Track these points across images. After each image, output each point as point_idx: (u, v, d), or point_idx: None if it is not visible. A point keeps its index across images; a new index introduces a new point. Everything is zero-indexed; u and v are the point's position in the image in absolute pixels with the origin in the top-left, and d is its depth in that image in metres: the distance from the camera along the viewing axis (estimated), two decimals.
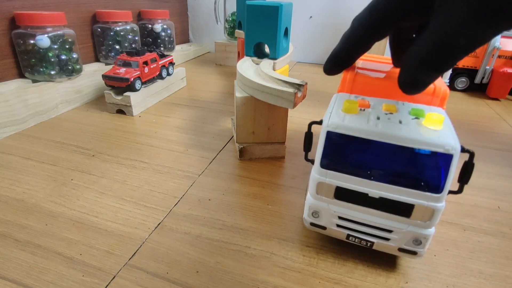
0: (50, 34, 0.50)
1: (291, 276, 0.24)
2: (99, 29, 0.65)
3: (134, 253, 0.26)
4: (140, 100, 0.55)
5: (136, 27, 0.71)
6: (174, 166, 0.39)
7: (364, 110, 0.23)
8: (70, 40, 0.53)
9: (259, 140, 0.40)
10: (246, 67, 0.40)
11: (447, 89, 0.24)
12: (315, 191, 0.23)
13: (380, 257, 0.26)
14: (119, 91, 0.53)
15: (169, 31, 0.85)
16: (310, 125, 0.24)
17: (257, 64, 0.42)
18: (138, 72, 0.53)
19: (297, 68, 0.94)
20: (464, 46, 0.17)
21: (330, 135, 0.21)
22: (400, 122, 0.21)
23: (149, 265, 0.25)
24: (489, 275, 0.25)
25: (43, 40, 0.48)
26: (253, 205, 0.32)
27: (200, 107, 0.59)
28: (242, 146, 0.40)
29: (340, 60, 0.24)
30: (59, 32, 0.51)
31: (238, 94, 0.37)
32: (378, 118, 0.21)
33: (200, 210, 0.31)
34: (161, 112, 0.56)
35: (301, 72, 0.90)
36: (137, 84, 0.53)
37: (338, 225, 0.24)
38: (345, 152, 0.22)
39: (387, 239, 0.23)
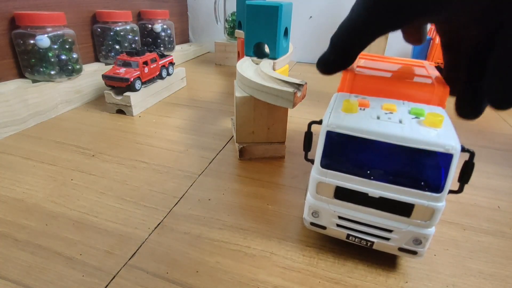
0: (50, 34, 0.50)
1: (291, 276, 0.24)
2: (99, 29, 0.65)
3: (134, 253, 0.26)
4: (140, 100, 0.55)
5: (136, 27, 0.71)
6: (174, 166, 0.39)
7: (364, 109, 0.23)
8: (70, 40, 0.53)
9: (259, 140, 0.40)
10: (246, 67, 0.40)
11: (448, 88, 0.24)
12: (315, 191, 0.23)
13: (380, 257, 0.26)
14: (119, 91, 0.53)
15: (169, 31, 0.85)
16: (310, 124, 0.24)
17: (257, 64, 0.42)
18: (138, 72, 0.53)
19: (297, 68, 0.94)
20: None
21: (330, 135, 0.21)
22: (400, 121, 0.21)
23: (149, 265, 0.25)
24: (489, 275, 0.25)
25: (43, 40, 0.48)
26: (253, 205, 0.32)
27: (200, 107, 0.59)
28: (242, 146, 0.40)
29: (337, 66, 0.25)
30: (59, 32, 0.51)
31: (238, 94, 0.37)
32: (378, 118, 0.21)
33: (200, 210, 0.31)
34: (161, 112, 0.56)
35: (301, 72, 0.90)
36: (137, 84, 0.53)
37: (338, 225, 0.24)
38: (345, 151, 0.22)
39: (387, 239, 0.23)
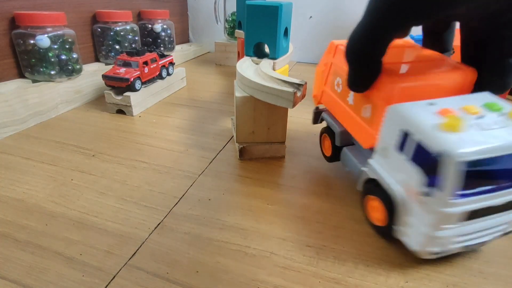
0: (50, 34, 0.50)
1: (291, 276, 0.24)
2: (99, 29, 0.65)
3: (134, 253, 0.26)
4: (140, 100, 0.55)
5: (136, 27, 0.71)
6: (174, 166, 0.39)
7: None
8: (70, 40, 0.53)
9: (259, 140, 0.40)
10: (246, 67, 0.40)
11: (475, 70, 0.25)
12: (439, 224, 0.22)
13: (380, 256, 0.26)
14: (119, 91, 0.53)
15: (169, 31, 0.85)
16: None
17: (257, 64, 0.42)
18: (138, 72, 0.53)
19: (297, 68, 0.94)
20: None
21: (462, 164, 0.19)
22: (502, 124, 0.21)
23: (149, 265, 0.25)
24: (489, 275, 0.25)
25: (43, 40, 0.48)
26: (253, 204, 0.32)
27: (200, 107, 0.59)
28: (242, 146, 0.40)
29: (370, 77, 0.25)
30: (59, 32, 0.51)
31: (238, 94, 0.37)
32: (485, 128, 0.20)
33: (200, 210, 0.31)
34: (161, 112, 0.56)
35: (301, 72, 0.90)
36: (137, 84, 0.53)
37: (458, 241, 0.23)
38: (475, 175, 0.20)
39: (500, 231, 0.23)
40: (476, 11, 0.21)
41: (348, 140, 0.33)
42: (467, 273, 0.25)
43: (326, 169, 0.39)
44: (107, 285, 0.23)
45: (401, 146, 0.23)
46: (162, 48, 0.85)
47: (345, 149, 0.31)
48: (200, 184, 0.35)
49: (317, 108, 0.38)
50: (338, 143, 0.32)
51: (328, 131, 0.36)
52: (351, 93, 0.29)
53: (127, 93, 0.52)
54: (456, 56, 0.28)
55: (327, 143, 0.37)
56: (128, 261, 0.25)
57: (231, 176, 0.37)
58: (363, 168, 0.28)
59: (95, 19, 0.66)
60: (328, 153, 0.37)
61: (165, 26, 0.84)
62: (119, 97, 0.52)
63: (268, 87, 0.33)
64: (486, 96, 0.23)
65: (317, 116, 0.38)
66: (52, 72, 0.51)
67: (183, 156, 0.41)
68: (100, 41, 0.66)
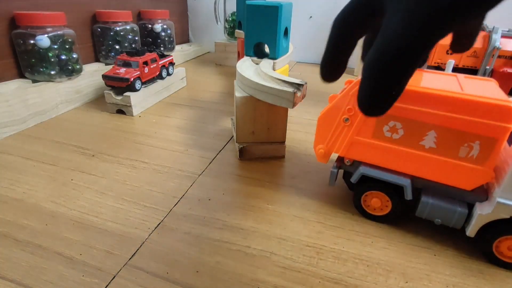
0: (50, 34, 0.50)
1: (291, 276, 0.24)
2: (99, 29, 0.65)
3: (134, 253, 0.26)
4: (140, 100, 0.55)
5: (136, 27, 0.71)
6: (174, 166, 0.39)
7: None
8: (70, 40, 0.53)
9: (259, 140, 0.40)
10: (246, 67, 0.40)
11: None
12: None
13: (380, 256, 0.26)
14: (119, 91, 0.53)
15: (169, 31, 0.85)
16: None
17: (257, 64, 0.42)
18: (138, 72, 0.53)
19: (297, 68, 0.94)
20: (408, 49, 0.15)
21: None
22: None
23: (149, 265, 0.25)
24: (489, 275, 0.25)
25: (43, 40, 0.48)
26: (253, 204, 0.32)
27: (200, 107, 0.59)
28: (242, 146, 0.40)
29: (328, 63, 0.20)
30: (59, 32, 0.51)
31: (238, 94, 0.37)
32: None
33: (200, 210, 0.31)
34: (161, 112, 0.56)
35: (301, 72, 0.90)
36: (137, 84, 0.53)
37: None
38: None
39: None
40: None
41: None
42: (467, 273, 0.25)
43: (326, 169, 0.39)
44: (107, 285, 0.23)
45: None
46: (162, 48, 0.85)
47: (430, 200, 0.27)
48: (200, 184, 0.35)
49: (340, 164, 0.31)
50: (410, 196, 0.28)
51: (381, 186, 0.29)
52: (429, 135, 0.25)
53: (127, 93, 0.52)
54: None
55: (380, 201, 0.30)
56: (128, 261, 0.25)
57: (231, 176, 0.37)
58: (482, 211, 0.24)
59: (95, 19, 0.66)
60: (384, 211, 0.30)
61: (165, 26, 0.84)
62: (119, 97, 0.52)
63: (268, 87, 0.33)
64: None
65: (348, 175, 0.32)
66: (52, 72, 0.51)
67: (183, 156, 0.41)
68: (100, 41, 0.66)
